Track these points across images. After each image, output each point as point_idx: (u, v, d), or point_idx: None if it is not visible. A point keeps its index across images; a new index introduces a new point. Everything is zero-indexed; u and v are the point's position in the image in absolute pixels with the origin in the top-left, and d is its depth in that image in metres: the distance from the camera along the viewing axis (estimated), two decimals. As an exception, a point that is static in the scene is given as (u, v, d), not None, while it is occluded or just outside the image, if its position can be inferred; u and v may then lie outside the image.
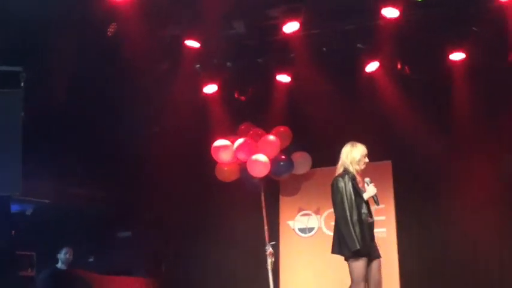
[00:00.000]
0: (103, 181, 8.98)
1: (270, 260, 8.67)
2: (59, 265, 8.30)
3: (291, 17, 7.53)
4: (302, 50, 8.05)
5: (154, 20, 7.39)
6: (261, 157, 8.46)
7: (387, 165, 8.75)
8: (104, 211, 9.31)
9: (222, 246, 9.30)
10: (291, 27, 7.66)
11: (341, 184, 6.16)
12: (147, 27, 7.22)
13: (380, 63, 8.21)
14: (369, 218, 6.12)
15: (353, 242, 5.94)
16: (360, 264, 6.01)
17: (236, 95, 8.97)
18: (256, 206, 8.84)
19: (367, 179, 6.30)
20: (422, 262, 8.36)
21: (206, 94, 8.79)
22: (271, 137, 8.62)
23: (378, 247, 6.22)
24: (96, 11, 6.72)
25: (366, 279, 6.07)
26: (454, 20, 7.52)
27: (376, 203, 6.26)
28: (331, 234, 8.68)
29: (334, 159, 8.75)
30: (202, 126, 9.02)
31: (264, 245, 8.70)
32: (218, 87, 8.73)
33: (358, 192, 6.14)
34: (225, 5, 7.14)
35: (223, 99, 8.89)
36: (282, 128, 8.77)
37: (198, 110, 8.93)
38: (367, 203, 6.18)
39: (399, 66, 8.26)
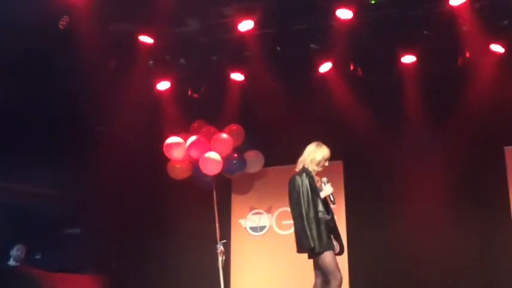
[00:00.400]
0: (52, 179, 8.81)
1: (220, 258, 8.65)
2: (11, 262, 8.15)
3: (245, 15, 7.54)
4: (256, 49, 8.09)
5: (108, 15, 7.33)
6: (214, 155, 8.44)
7: (338, 165, 8.81)
8: (53, 209, 9.15)
9: (173, 244, 9.23)
10: (245, 25, 7.68)
11: (298, 182, 6.19)
12: (100, 21, 7.14)
13: (333, 64, 8.29)
14: (326, 216, 6.13)
15: (307, 240, 5.97)
16: (326, 256, 6.01)
17: (189, 93, 8.92)
18: (208, 204, 8.80)
19: (324, 179, 6.33)
20: (370, 261, 8.44)
21: (159, 91, 8.74)
22: (224, 135, 8.60)
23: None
24: (50, 2, 6.61)
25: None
26: (405, 23, 7.65)
27: (332, 202, 6.28)
28: (283, 233, 8.91)
29: (286, 158, 8.83)
30: (154, 124, 8.95)
31: (215, 243, 8.70)
32: (171, 84, 8.70)
33: (315, 190, 6.16)
34: (179, 1, 7.11)
35: (176, 97, 8.85)
36: (234, 126, 8.76)
37: (150, 107, 8.87)
38: (324, 200, 6.20)
39: (352, 67, 8.34)
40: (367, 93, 8.52)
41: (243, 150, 8.78)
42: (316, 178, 6.31)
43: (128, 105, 8.51)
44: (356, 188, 8.72)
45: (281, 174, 9.04)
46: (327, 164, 6.37)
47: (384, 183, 8.51)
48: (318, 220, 6.07)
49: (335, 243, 6.20)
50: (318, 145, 6.45)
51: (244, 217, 9.08)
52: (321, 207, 6.14)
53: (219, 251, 8.65)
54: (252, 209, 9.09)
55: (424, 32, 7.75)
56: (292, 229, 8.51)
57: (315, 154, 6.37)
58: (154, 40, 7.89)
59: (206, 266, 8.85)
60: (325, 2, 7.41)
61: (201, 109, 9.03)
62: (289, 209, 8.63)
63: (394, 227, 8.39)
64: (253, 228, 9.04)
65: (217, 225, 8.71)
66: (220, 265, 8.63)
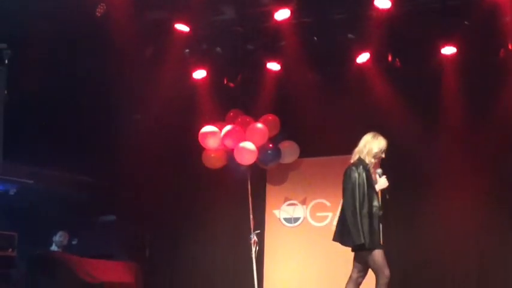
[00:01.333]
0: (90, 166, 8.91)
1: (254, 249, 8.65)
2: (53, 247, 8.27)
3: (282, 4, 7.47)
4: (293, 38, 8.01)
5: (144, 2, 7.34)
6: (249, 145, 8.41)
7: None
8: (90, 196, 9.26)
9: (207, 234, 9.26)
10: (282, 14, 7.61)
11: (354, 174, 6.00)
12: (136, 9, 7.15)
13: (371, 54, 8.15)
14: (379, 211, 5.99)
15: (358, 235, 5.81)
16: (376, 254, 5.88)
17: (225, 82, 8.90)
18: (242, 194, 8.80)
19: (379, 171, 6.16)
20: (404, 253, 8.27)
21: (195, 80, 8.74)
22: (260, 125, 8.56)
23: None
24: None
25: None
26: (445, 13, 7.48)
27: (386, 195, 6.12)
28: (317, 224, 8.84)
29: (321, 149, 8.86)
30: (190, 112, 8.97)
31: (249, 234, 8.69)
32: (207, 73, 8.68)
33: (371, 183, 5.99)
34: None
35: (212, 86, 8.84)
36: (270, 117, 8.71)
37: (186, 95, 8.88)
38: (378, 195, 6.05)
39: (390, 58, 8.19)
40: (405, 84, 8.35)
41: (278, 141, 8.73)
42: (372, 170, 6.13)
43: (163, 94, 8.53)
44: (390, 181, 8.56)
45: (316, 166, 9.04)
46: (383, 155, 6.17)
47: (419, 177, 8.32)
48: (371, 215, 5.90)
49: None
50: (374, 136, 6.24)
51: (279, 208, 9.04)
52: (375, 202, 5.97)
53: (252, 241, 8.65)
54: (286, 199, 9.05)
55: (465, 22, 7.55)
56: (327, 221, 8.73)
57: (371, 145, 6.16)
58: (190, 28, 7.87)
59: (239, 256, 8.87)
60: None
61: (236, 99, 9.01)
62: (324, 201, 8.83)
63: (427, 224, 8.23)
64: (287, 219, 9.00)
65: (251, 215, 8.69)
66: (253, 255, 8.62)
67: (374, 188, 6.00)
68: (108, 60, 7.72)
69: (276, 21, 7.72)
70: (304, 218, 8.94)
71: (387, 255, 6.02)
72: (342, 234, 6.04)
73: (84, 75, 7.93)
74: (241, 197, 8.79)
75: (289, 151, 8.77)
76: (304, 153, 8.83)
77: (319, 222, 8.84)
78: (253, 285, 8.58)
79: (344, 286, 6.22)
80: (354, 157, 6.20)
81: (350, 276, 6.23)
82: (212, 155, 8.75)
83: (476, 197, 8.11)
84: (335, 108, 8.57)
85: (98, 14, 7.12)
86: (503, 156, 8.09)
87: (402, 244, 8.27)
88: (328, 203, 8.82)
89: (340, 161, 8.78)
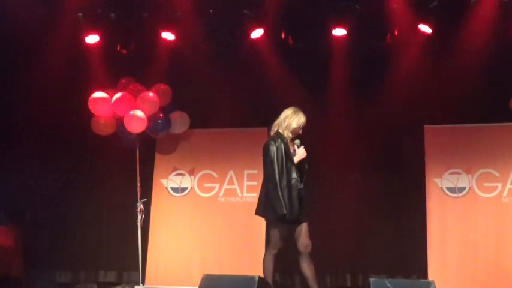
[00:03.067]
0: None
1: (140, 217, 8.66)
2: None
3: (179, -26, 7.46)
4: (189, 9, 8.01)
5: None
6: (139, 113, 8.37)
7: (263, 131, 8.85)
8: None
9: (93, 200, 9.16)
10: (178, -15, 7.60)
11: (273, 148, 6.15)
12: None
13: (265, 30, 8.30)
14: (299, 184, 6.15)
15: (280, 206, 5.99)
16: (281, 229, 6.10)
17: (118, 48, 8.78)
18: (130, 162, 8.75)
19: (297, 141, 6.29)
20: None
21: (87, 44, 8.57)
22: (151, 94, 8.52)
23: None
24: None
25: (294, 243, 6.18)
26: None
27: (305, 165, 6.29)
28: (204, 195, 8.95)
29: (211, 121, 8.96)
30: (81, 78, 8.78)
31: (136, 202, 8.69)
32: (100, 38, 8.53)
33: (289, 156, 6.14)
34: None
35: (105, 52, 8.69)
36: (162, 86, 8.67)
37: (77, 60, 8.69)
38: (298, 167, 6.19)
39: (283, 35, 8.38)
40: (297, 62, 8.59)
41: (169, 111, 8.74)
42: (290, 143, 6.28)
43: (54, 57, 8.32)
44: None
45: (206, 137, 9.12)
46: (301, 131, 6.32)
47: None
48: (290, 188, 6.07)
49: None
50: (295, 112, 6.40)
51: (166, 177, 9.04)
52: (294, 175, 6.13)
53: (138, 209, 8.64)
54: (174, 169, 9.07)
55: (356, 6, 7.87)
56: (214, 192, 8.87)
57: (290, 120, 6.33)
58: (85, -8, 7.72)
59: (125, 224, 8.81)
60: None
61: (129, 66, 8.87)
62: (212, 172, 8.95)
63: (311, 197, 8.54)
64: (175, 189, 9.03)
65: (138, 183, 8.68)
66: (139, 223, 8.64)
67: (292, 161, 6.17)
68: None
69: (173, -10, 7.71)
70: (192, 188, 9.00)
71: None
72: (265, 208, 6.19)
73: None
74: (129, 165, 8.73)
75: (180, 121, 8.79)
76: (194, 124, 8.88)
77: (206, 193, 8.93)
78: (138, 253, 8.62)
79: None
80: (273, 129, 6.38)
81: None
82: (101, 122, 8.63)
83: (363, 175, 8.55)
84: (227, 81, 8.68)
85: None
86: (383, 137, 8.53)
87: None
88: (215, 175, 8.94)
89: (229, 134, 9.06)
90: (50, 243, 8.94)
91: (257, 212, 6.38)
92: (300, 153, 6.24)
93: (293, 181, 6.12)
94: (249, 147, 8.88)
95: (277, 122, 6.41)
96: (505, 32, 7.93)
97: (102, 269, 9.16)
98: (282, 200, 6.00)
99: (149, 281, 8.67)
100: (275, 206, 6.03)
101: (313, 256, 6.34)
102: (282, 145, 6.18)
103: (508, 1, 7.60)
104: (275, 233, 6.16)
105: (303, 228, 6.26)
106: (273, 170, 6.10)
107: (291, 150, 6.27)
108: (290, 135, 6.31)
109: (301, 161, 6.28)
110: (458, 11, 7.79)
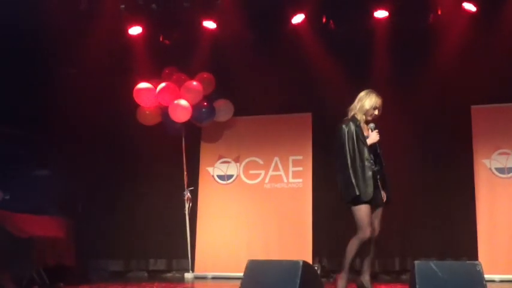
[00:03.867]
0: (22, 119, 8.76)
1: (187, 205, 8.78)
2: None
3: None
4: (229, -3, 8.05)
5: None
6: (183, 102, 8.45)
7: (307, 117, 8.89)
8: (20, 149, 9.10)
9: (141, 189, 9.30)
10: (218, -27, 7.62)
11: (343, 131, 6.03)
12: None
13: (305, 15, 8.27)
14: (372, 166, 6.02)
15: (353, 188, 5.87)
16: (361, 209, 5.89)
17: (161, 39, 8.87)
18: (177, 151, 8.88)
19: (371, 125, 6.14)
20: (332, 212, 8.56)
21: (130, 36, 8.68)
22: (194, 83, 8.60)
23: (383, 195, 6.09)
24: None
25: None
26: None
27: (377, 149, 6.11)
28: (250, 182, 9.01)
29: (255, 108, 8.99)
30: (125, 69, 8.90)
31: (183, 191, 8.79)
32: (143, 30, 8.64)
33: (361, 139, 6.01)
34: None
35: (148, 42, 8.80)
36: (205, 75, 8.75)
37: (121, 51, 8.81)
38: (371, 149, 6.05)
39: (324, 20, 8.34)
40: (338, 46, 8.53)
41: (213, 99, 8.80)
42: (364, 126, 6.15)
43: (99, 49, 8.44)
44: (324, 140, 8.78)
45: (250, 124, 9.17)
46: (376, 112, 6.15)
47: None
48: (363, 168, 5.94)
49: (383, 193, 6.09)
50: (367, 93, 6.23)
51: (212, 165, 9.13)
52: (367, 156, 5.97)
53: (186, 198, 8.77)
54: (220, 157, 9.14)
55: (397, -13, 7.79)
56: (259, 179, 8.91)
57: (363, 102, 6.18)
58: (125, -16, 7.80)
59: (173, 213, 8.94)
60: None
61: (172, 56, 8.99)
62: (257, 159, 8.99)
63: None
64: (221, 177, 9.10)
65: (185, 172, 8.79)
66: (187, 212, 8.76)
67: (365, 143, 6.01)
68: (43, 13, 7.56)
69: (213, -21, 7.74)
70: (238, 176, 9.06)
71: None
72: (341, 191, 6.06)
73: (19, 26, 7.75)
74: (175, 154, 8.86)
75: (224, 109, 8.85)
76: (238, 111, 8.93)
77: (252, 180, 8.99)
78: (186, 241, 8.73)
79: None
80: (349, 114, 6.23)
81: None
82: (147, 112, 8.77)
83: (412, 158, 8.46)
84: (270, 68, 8.68)
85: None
86: (429, 118, 8.42)
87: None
88: (261, 161, 8.98)
89: (273, 120, 9.08)
90: (101, 233, 9.11)
91: (339, 198, 6.18)
92: (372, 137, 6.05)
93: (366, 162, 5.96)
94: (293, 133, 8.90)
95: (351, 106, 6.27)
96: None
97: (152, 257, 9.31)
98: (354, 182, 5.87)
99: (198, 268, 8.80)
100: (349, 188, 5.90)
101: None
102: (354, 127, 6.04)
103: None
104: (359, 217, 5.91)
105: (379, 213, 6.07)
106: (344, 152, 5.97)
107: (365, 134, 6.11)
108: (364, 117, 6.14)
109: (374, 145, 6.07)
110: (504, -13, 7.63)
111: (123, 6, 8.28)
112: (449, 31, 8.16)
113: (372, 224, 5.95)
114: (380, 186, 6.08)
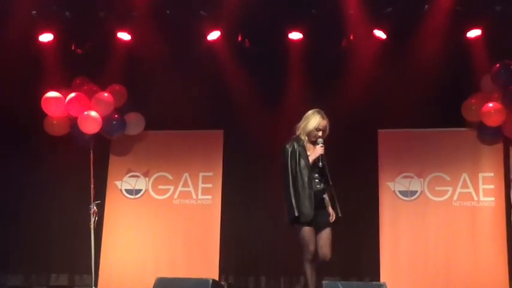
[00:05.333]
0: None
1: (93, 219, 8.58)
2: None
3: (136, -26, 7.42)
4: (145, 10, 7.97)
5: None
6: (93, 113, 8.30)
7: (219, 134, 8.90)
8: None
9: (45, 202, 9.02)
10: (135, -15, 7.56)
11: (287, 149, 6.00)
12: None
13: (221, 32, 8.31)
14: (317, 185, 6.01)
15: (292, 209, 5.85)
16: (302, 229, 5.87)
17: (73, 47, 8.68)
18: (84, 164, 8.66)
19: (319, 140, 6.07)
20: (240, 230, 8.62)
21: (41, 42, 8.45)
22: (106, 94, 8.47)
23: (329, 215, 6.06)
24: None
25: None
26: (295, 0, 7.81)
27: (319, 164, 6.04)
28: (158, 197, 8.91)
29: (167, 123, 8.92)
30: (34, 76, 8.63)
31: (89, 204, 8.60)
32: (54, 37, 8.43)
33: (303, 157, 5.98)
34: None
35: (59, 50, 8.58)
36: (117, 87, 8.62)
37: (30, 58, 8.55)
38: (315, 168, 6.02)
39: (240, 38, 8.40)
40: (253, 65, 8.61)
41: (124, 112, 8.68)
42: (308, 145, 6.11)
43: (7, 55, 8.17)
44: (234, 158, 8.83)
45: (161, 139, 9.09)
46: (320, 134, 6.10)
47: (260, 156, 8.63)
48: (304, 189, 5.91)
49: (331, 212, 6.05)
50: (313, 112, 6.20)
51: (121, 179, 8.98)
52: (308, 175, 5.95)
53: (91, 211, 8.56)
54: (129, 171, 9.01)
55: (312, 10, 7.93)
56: (168, 194, 8.84)
57: (307, 122, 6.15)
58: (39, -11, 7.61)
59: (78, 226, 8.69)
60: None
61: (84, 66, 8.78)
62: (166, 174, 8.93)
63: (265, 201, 8.58)
64: (129, 191, 8.96)
65: (92, 185, 8.60)
66: (92, 226, 8.55)
67: (307, 163, 5.98)
68: None
69: (129, -9, 7.66)
70: (146, 191, 8.95)
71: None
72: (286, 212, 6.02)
73: None
74: (83, 166, 8.64)
75: (135, 123, 8.75)
76: (149, 125, 8.84)
77: (160, 195, 8.89)
78: (91, 255, 8.53)
79: None
80: (296, 132, 6.21)
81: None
82: (55, 122, 8.54)
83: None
84: (183, 83, 8.64)
85: None
86: (338, 141, 8.57)
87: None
88: (170, 177, 8.91)
89: (184, 136, 9.05)
90: (1, 245, 8.77)
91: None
92: (316, 151, 6.03)
93: (307, 181, 5.94)
94: (204, 149, 8.91)
95: (298, 124, 6.24)
96: (457, 38, 8.12)
97: (54, 272, 9.01)
98: (293, 203, 5.87)
99: (102, 284, 8.57)
100: (288, 208, 5.90)
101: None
102: (297, 147, 6.02)
103: (459, 9, 7.75)
104: (300, 237, 5.91)
105: (325, 234, 6.00)
106: (285, 172, 5.97)
107: (309, 153, 6.08)
108: (306, 138, 6.13)
109: (318, 162, 6.02)
110: (412, 17, 7.92)
111: (34, 11, 8.06)
112: (361, 56, 8.39)
113: (320, 246, 5.92)
114: (326, 205, 6.08)
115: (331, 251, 5.99)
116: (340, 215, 6.13)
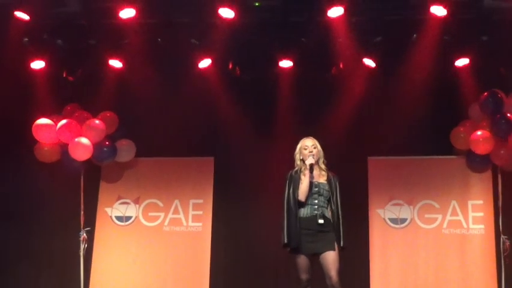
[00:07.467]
0: None
1: (82, 246, 8.54)
2: None
3: (127, 2, 7.48)
4: (137, 38, 8.04)
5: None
6: (84, 140, 8.31)
7: (210, 161, 8.92)
8: None
9: (35, 229, 8.97)
10: (127, 13, 7.61)
11: (286, 177, 6.24)
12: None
13: (212, 60, 8.37)
14: (315, 211, 6.08)
15: (283, 236, 5.98)
16: (295, 256, 6.02)
17: (64, 75, 8.71)
18: (74, 190, 8.64)
19: (310, 154, 6.25)
20: (230, 257, 8.63)
21: (32, 69, 8.48)
22: (97, 121, 8.48)
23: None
24: None
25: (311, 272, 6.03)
26: (285, 28, 7.90)
27: (310, 170, 6.16)
28: (149, 224, 8.89)
29: (158, 150, 8.93)
30: (25, 103, 8.66)
31: (79, 230, 8.56)
32: (46, 64, 8.46)
33: (297, 184, 6.13)
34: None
35: (50, 78, 8.60)
36: (108, 114, 8.64)
37: (22, 85, 8.59)
38: (315, 194, 6.13)
39: (230, 66, 8.47)
40: (244, 92, 8.70)
41: (115, 139, 8.69)
42: (306, 172, 6.21)
43: (-3, 81, 8.22)
44: (225, 185, 8.84)
45: (151, 166, 9.08)
46: (307, 152, 6.28)
47: (250, 183, 8.68)
48: (296, 215, 6.03)
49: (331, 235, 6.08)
50: (302, 139, 6.45)
51: (111, 206, 8.96)
52: (292, 203, 6.06)
53: (81, 238, 8.54)
54: (119, 198, 8.99)
55: (302, 39, 8.02)
56: (159, 221, 8.83)
57: (297, 149, 6.40)
58: (30, 17, 7.65)
59: (68, 253, 8.66)
60: (208, -1, 7.50)
61: (75, 93, 8.84)
62: (157, 201, 8.93)
63: (256, 229, 8.60)
64: (119, 218, 8.94)
65: (82, 211, 8.58)
66: (81, 253, 8.51)
67: (297, 187, 6.12)
68: None
69: (121, 19, 7.70)
70: (136, 217, 8.93)
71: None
72: None
73: None
74: (73, 192, 8.63)
75: (126, 149, 8.75)
76: (140, 152, 8.84)
77: (151, 222, 8.87)
78: (80, 282, 8.47)
79: None
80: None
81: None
82: (45, 149, 8.53)
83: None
84: (174, 110, 8.69)
85: None
86: (331, 168, 8.62)
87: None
88: (161, 204, 8.90)
89: (175, 163, 9.06)
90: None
91: None
92: (306, 175, 6.17)
93: (293, 208, 6.06)
94: (194, 176, 8.91)
95: None
96: (445, 67, 8.21)
97: (43, 299, 8.95)
98: (285, 229, 6.00)
99: (91, 311, 8.53)
100: (282, 235, 6.04)
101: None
102: (293, 174, 6.23)
103: (447, 38, 7.86)
104: (296, 265, 6.06)
105: (326, 258, 6.04)
106: (283, 199, 6.14)
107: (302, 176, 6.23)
108: (298, 162, 6.33)
109: (313, 186, 6.16)
110: (401, 46, 8.01)
111: (26, 39, 8.11)
112: (350, 84, 8.49)
113: (325, 272, 5.98)
114: (328, 230, 6.11)
115: (337, 274, 6.03)
116: (342, 245, 6.16)
